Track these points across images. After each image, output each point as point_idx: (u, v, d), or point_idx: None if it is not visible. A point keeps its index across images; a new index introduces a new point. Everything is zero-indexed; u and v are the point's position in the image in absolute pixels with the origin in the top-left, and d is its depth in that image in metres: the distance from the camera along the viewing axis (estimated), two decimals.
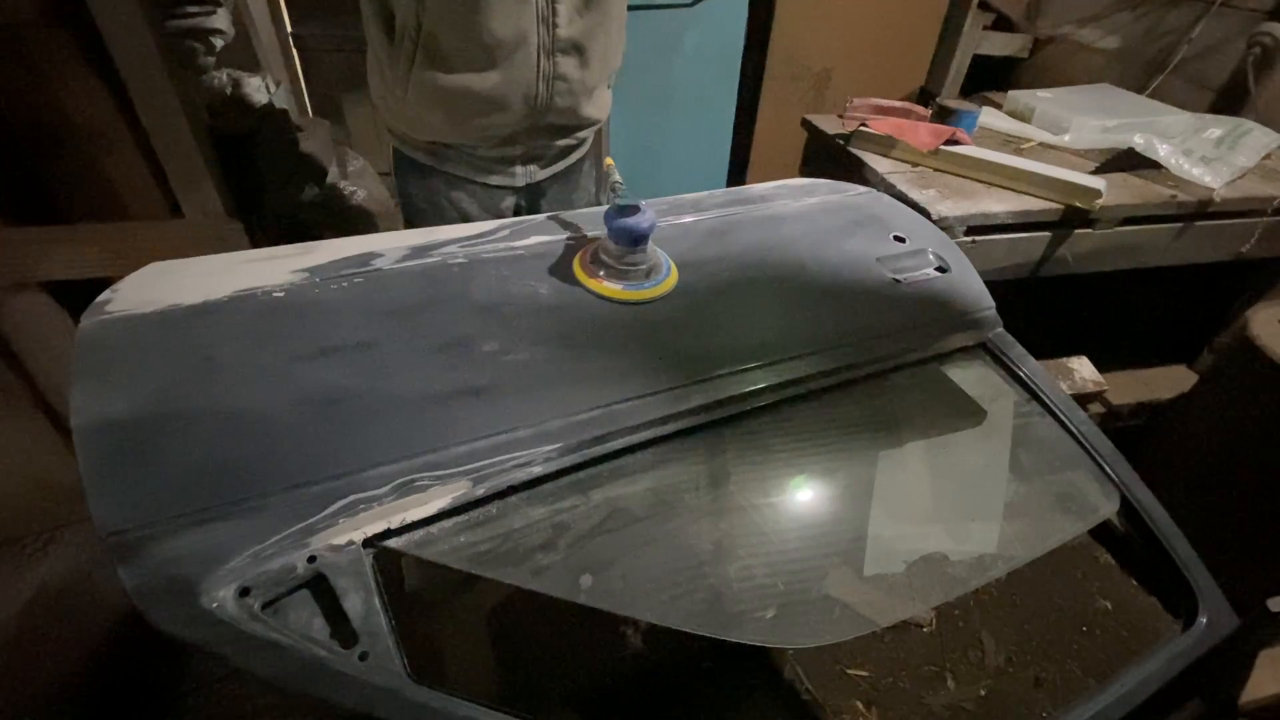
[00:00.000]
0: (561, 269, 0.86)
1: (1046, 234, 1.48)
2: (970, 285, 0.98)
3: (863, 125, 1.62)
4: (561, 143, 1.25)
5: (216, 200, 1.47)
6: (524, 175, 1.25)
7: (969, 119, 1.66)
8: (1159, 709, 1.26)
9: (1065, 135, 1.74)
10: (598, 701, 1.32)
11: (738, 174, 2.62)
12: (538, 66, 1.09)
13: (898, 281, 0.95)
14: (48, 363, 1.49)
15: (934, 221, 1.31)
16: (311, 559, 0.56)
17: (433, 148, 1.18)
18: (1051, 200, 1.45)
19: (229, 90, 1.92)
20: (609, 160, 0.93)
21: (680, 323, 0.82)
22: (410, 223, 1.31)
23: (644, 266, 0.86)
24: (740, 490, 0.74)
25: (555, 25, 1.06)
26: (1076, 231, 1.49)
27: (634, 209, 0.82)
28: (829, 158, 1.73)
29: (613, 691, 1.33)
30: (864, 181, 1.31)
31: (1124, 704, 0.68)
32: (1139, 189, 1.53)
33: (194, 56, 1.75)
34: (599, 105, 1.25)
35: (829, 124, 1.77)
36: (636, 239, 0.83)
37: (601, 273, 0.85)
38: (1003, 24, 2.40)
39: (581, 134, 1.28)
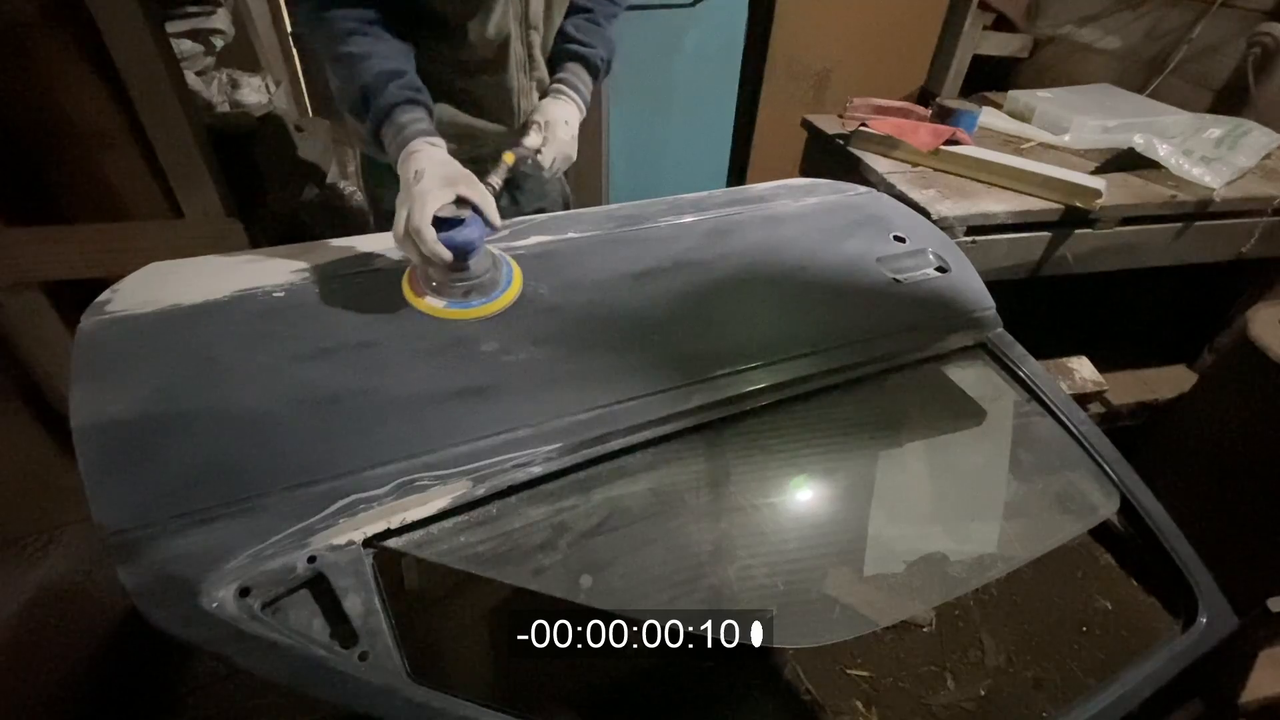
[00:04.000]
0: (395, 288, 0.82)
1: (1046, 234, 1.48)
2: (970, 285, 0.98)
3: (863, 125, 1.62)
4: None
5: (216, 200, 1.47)
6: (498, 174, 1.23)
7: (969, 119, 1.66)
8: (1159, 709, 1.26)
9: (1065, 135, 1.74)
10: (598, 701, 1.32)
11: (738, 174, 2.61)
12: (516, 89, 1.07)
13: (898, 281, 0.95)
14: (48, 363, 1.49)
15: (934, 221, 1.31)
16: (311, 559, 0.56)
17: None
18: (1051, 200, 1.45)
19: (229, 90, 1.92)
20: (507, 156, 0.92)
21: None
22: (383, 229, 1.28)
23: (469, 283, 0.80)
24: (740, 490, 0.74)
25: (532, 48, 1.05)
26: (1076, 231, 1.49)
27: (457, 221, 0.77)
28: (829, 158, 1.73)
29: (613, 691, 1.33)
30: (864, 181, 1.31)
31: (1124, 704, 0.68)
32: (1139, 189, 1.53)
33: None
34: None
35: (829, 124, 1.77)
36: (461, 254, 0.77)
37: (428, 290, 0.80)
38: (1003, 24, 2.40)
39: None
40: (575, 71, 1.05)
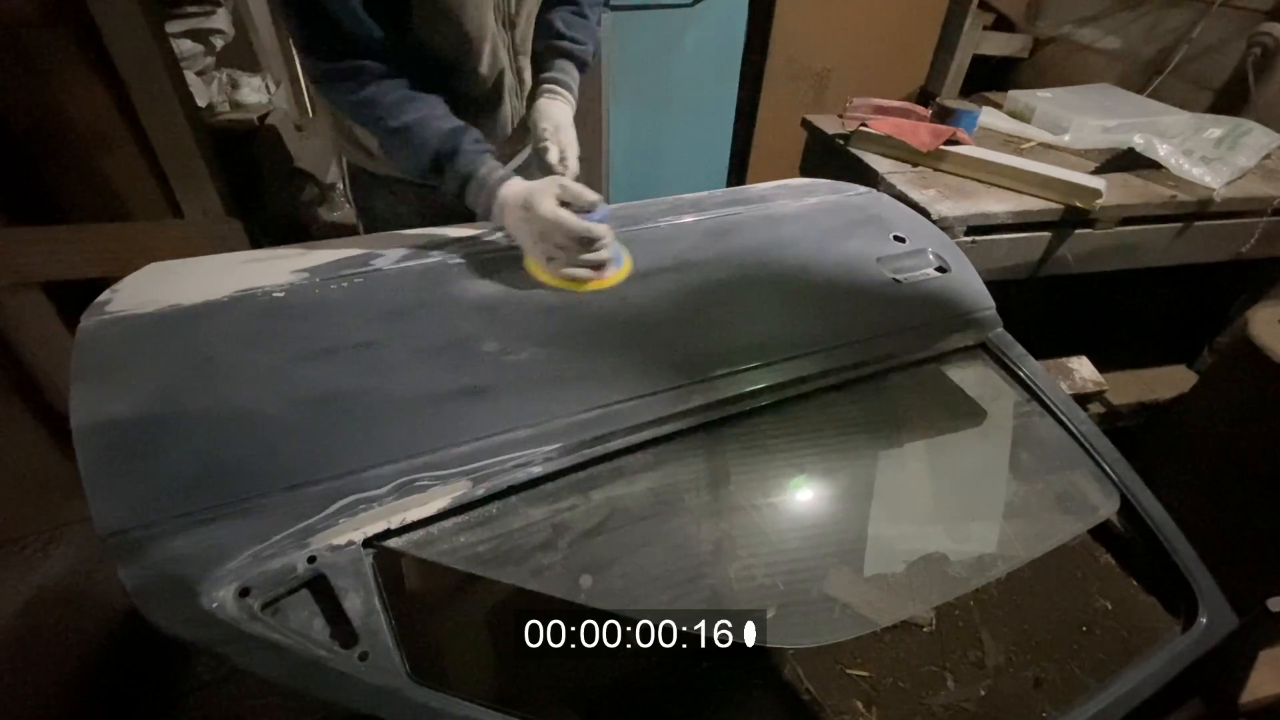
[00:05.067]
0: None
1: (1046, 234, 1.48)
2: (970, 285, 0.98)
3: (863, 125, 1.62)
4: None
5: (216, 200, 1.48)
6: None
7: (969, 119, 1.66)
8: (1159, 709, 1.26)
9: (1065, 135, 1.74)
10: (598, 701, 1.32)
11: (738, 174, 2.61)
12: (511, 115, 1.07)
13: (898, 281, 0.95)
14: (47, 363, 1.49)
15: (934, 221, 1.31)
16: (311, 559, 0.56)
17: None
18: (1051, 200, 1.45)
19: (229, 90, 1.92)
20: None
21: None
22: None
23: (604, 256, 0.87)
24: (740, 490, 0.74)
25: (521, 72, 1.05)
26: (1076, 231, 1.49)
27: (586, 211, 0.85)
28: (829, 158, 1.73)
29: (613, 691, 1.33)
30: (864, 181, 1.31)
31: (1124, 704, 0.68)
32: (1139, 189, 1.53)
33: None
34: None
35: (829, 124, 1.77)
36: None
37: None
38: (1003, 24, 2.40)
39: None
40: (566, 69, 1.04)
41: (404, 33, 0.88)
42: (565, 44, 1.03)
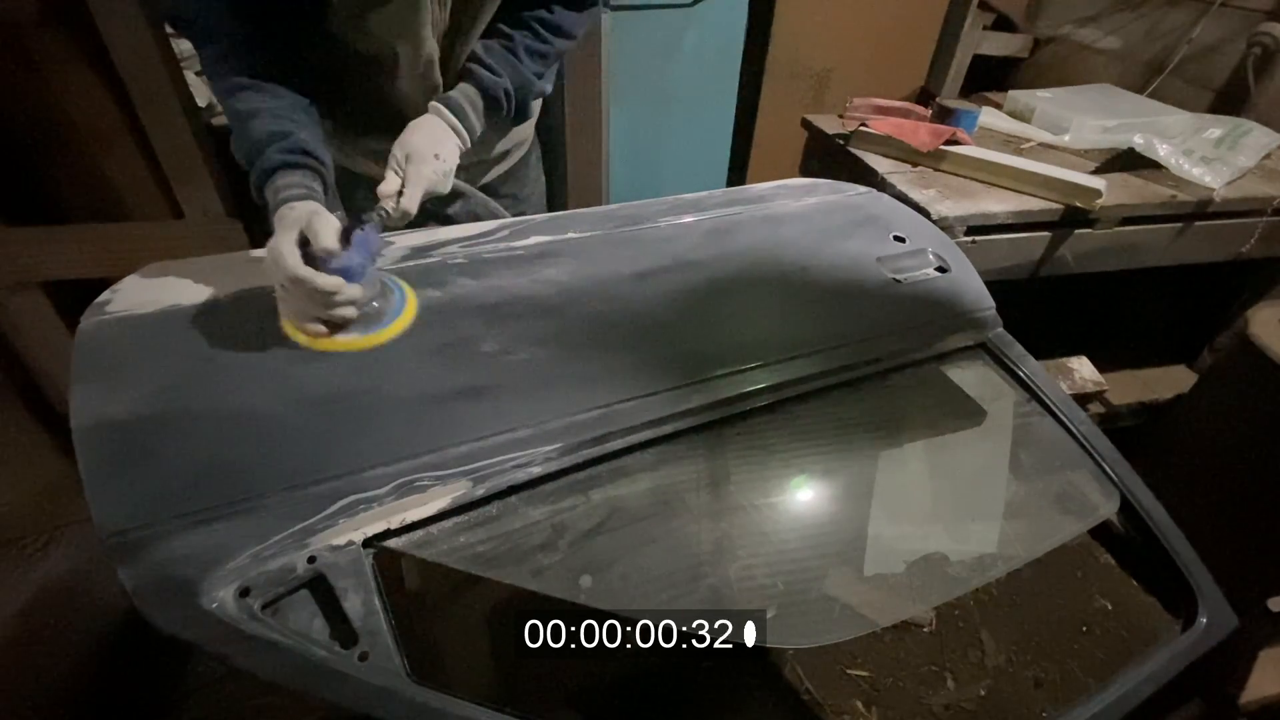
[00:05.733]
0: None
1: (1046, 234, 1.48)
2: (970, 285, 0.98)
3: (863, 125, 1.62)
4: (502, 147, 1.18)
5: (216, 200, 1.47)
6: (471, 181, 1.20)
7: (969, 119, 1.66)
8: (1159, 709, 1.26)
9: (1065, 135, 1.74)
10: (598, 701, 1.32)
11: (738, 174, 2.61)
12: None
13: (898, 281, 0.95)
14: (48, 363, 1.49)
15: (934, 221, 1.31)
16: (311, 559, 0.56)
17: (369, 161, 1.10)
18: (1051, 200, 1.45)
19: None
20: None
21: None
22: None
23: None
24: (740, 490, 0.74)
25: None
26: (1076, 231, 1.49)
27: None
28: (829, 158, 1.73)
29: (613, 691, 1.33)
30: (864, 181, 1.31)
31: (1124, 704, 0.68)
32: (1139, 189, 1.53)
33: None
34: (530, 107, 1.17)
35: (829, 124, 1.77)
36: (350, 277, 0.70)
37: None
38: (1003, 24, 2.40)
39: (521, 133, 1.21)
40: (467, 94, 0.94)
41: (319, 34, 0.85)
42: (474, 67, 0.95)
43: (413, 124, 0.90)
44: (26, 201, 1.40)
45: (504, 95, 0.97)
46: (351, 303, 0.71)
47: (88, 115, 1.36)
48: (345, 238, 0.72)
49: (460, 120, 0.93)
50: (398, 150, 0.87)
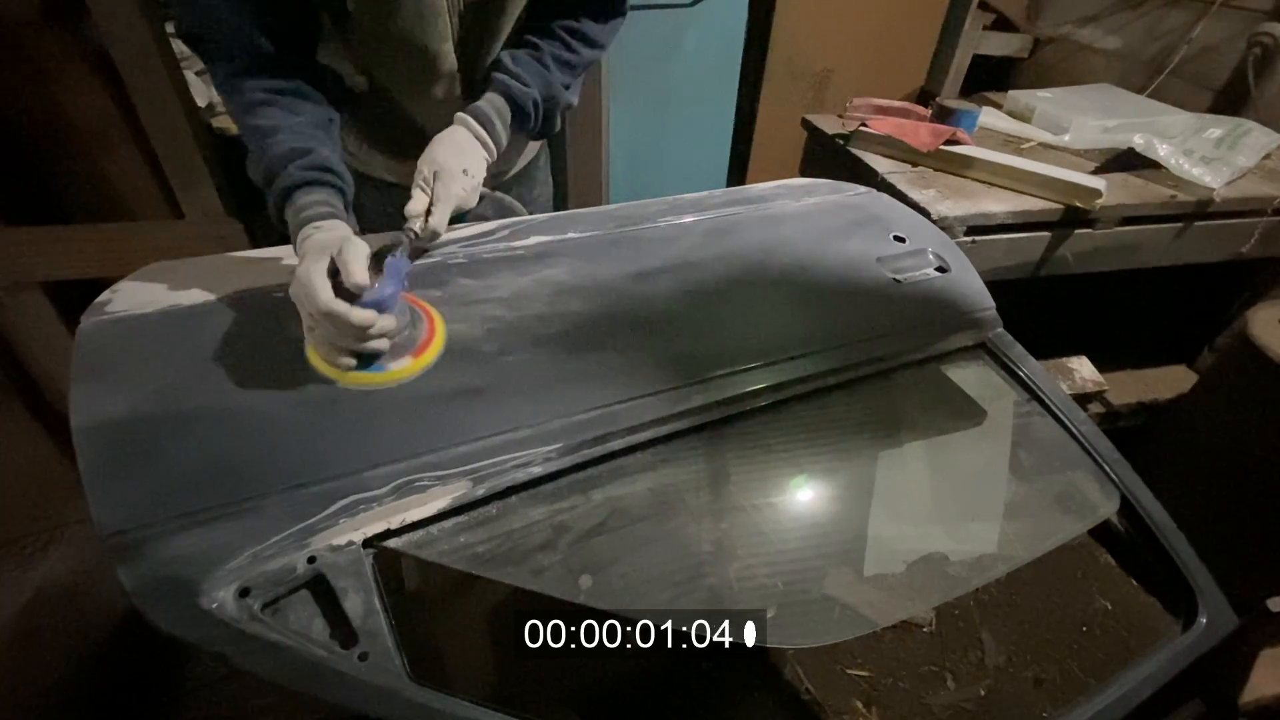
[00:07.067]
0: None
1: (1046, 234, 1.48)
2: (970, 285, 0.98)
3: (863, 125, 1.62)
4: (524, 159, 1.18)
5: (216, 200, 1.47)
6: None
7: (969, 119, 1.66)
8: (1159, 709, 1.26)
9: (1065, 135, 1.74)
10: (598, 701, 1.32)
11: (738, 174, 2.61)
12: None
13: (898, 281, 0.95)
14: (48, 363, 1.49)
15: (934, 221, 1.31)
16: (311, 559, 0.56)
17: (388, 164, 1.09)
18: (1051, 200, 1.45)
19: None
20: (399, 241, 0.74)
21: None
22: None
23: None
24: (740, 490, 0.74)
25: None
26: (1076, 231, 1.49)
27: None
28: (829, 158, 1.73)
29: (613, 691, 1.33)
30: (864, 181, 1.31)
31: (1124, 704, 0.68)
32: (1139, 189, 1.53)
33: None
34: None
35: (829, 124, 1.77)
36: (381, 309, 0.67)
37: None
38: (1003, 24, 2.40)
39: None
40: (495, 104, 0.90)
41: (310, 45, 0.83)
42: (501, 77, 0.91)
43: (439, 137, 0.86)
44: (26, 201, 1.40)
45: (532, 106, 0.93)
46: (384, 335, 0.67)
47: (88, 115, 1.36)
48: (376, 264, 0.68)
49: (488, 132, 0.89)
50: (425, 167, 0.83)
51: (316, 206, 0.74)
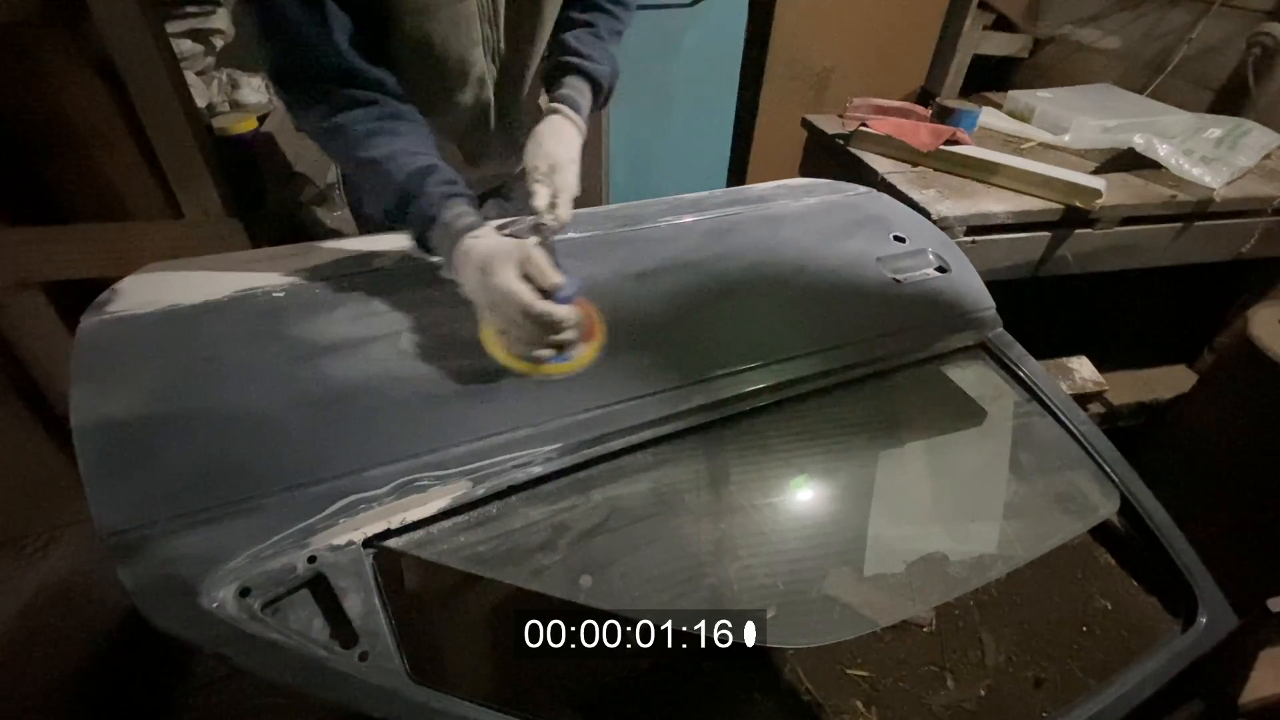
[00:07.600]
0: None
1: (1046, 234, 1.48)
2: (970, 285, 0.98)
3: (863, 125, 1.62)
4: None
5: (216, 200, 1.47)
6: (481, 184, 1.18)
7: (969, 119, 1.66)
8: (1159, 709, 1.25)
9: (1065, 135, 1.74)
10: (598, 701, 1.32)
11: (738, 174, 2.61)
12: (496, 143, 1.04)
13: (898, 281, 0.95)
14: (47, 363, 1.49)
15: (934, 221, 1.31)
16: (311, 559, 0.56)
17: None
18: (1051, 200, 1.45)
19: (229, 90, 1.92)
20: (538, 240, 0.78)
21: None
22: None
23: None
24: (740, 490, 0.74)
25: (506, 101, 1.00)
26: (1076, 231, 1.49)
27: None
28: (829, 158, 1.73)
29: (613, 691, 1.33)
30: (864, 181, 1.31)
31: (1124, 704, 0.68)
32: (1139, 189, 1.53)
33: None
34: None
35: (829, 124, 1.77)
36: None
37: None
38: (1003, 24, 2.40)
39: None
40: (575, 87, 0.92)
41: (381, 61, 0.83)
42: (575, 60, 0.92)
43: (543, 130, 0.88)
44: (26, 201, 1.40)
45: (604, 81, 0.95)
46: (574, 326, 0.73)
47: (88, 115, 1.36)
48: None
49: (579, 113, 0.91)
50: (540, 162, 0.84)
51: (465, 218, 0.76)
